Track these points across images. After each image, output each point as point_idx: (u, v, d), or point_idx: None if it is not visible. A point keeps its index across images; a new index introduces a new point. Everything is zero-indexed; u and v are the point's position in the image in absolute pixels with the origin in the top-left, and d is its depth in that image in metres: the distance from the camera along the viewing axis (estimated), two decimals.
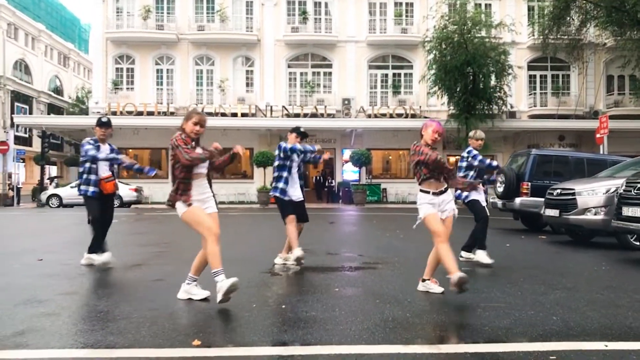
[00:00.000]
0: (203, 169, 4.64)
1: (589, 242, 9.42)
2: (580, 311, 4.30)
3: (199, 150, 4.60)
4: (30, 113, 46.22)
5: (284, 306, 4.46)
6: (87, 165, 6.62)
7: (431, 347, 3.32)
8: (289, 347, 3.30)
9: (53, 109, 51.73)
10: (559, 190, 9.13)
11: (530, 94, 31.40)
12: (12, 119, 30.65)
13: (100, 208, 6.64)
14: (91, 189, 6.58)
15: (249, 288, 5.16)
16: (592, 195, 8.43)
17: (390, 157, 31.80)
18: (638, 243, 8.09)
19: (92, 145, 6.61)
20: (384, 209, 22.88)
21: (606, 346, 3.34)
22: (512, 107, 28.70)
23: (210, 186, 4.75)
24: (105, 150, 6.71)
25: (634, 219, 6.77)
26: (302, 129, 6.86)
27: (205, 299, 4.59)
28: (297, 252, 6.47)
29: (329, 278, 5.89)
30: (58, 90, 54.61)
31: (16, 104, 44.74)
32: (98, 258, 6.60)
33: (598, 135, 18.77)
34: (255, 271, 6.18)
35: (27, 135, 42.89)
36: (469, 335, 3.63)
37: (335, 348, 3.26)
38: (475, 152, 7.17)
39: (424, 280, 5.09)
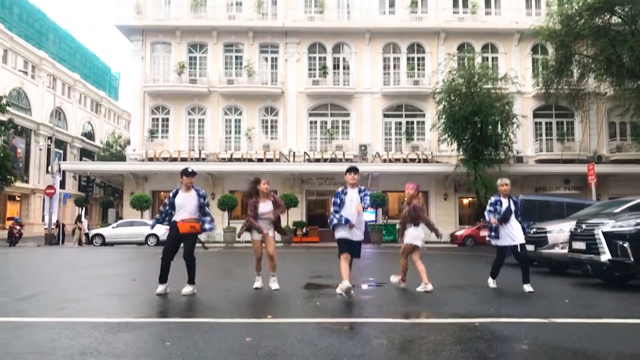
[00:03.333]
0: (268, 213, 8.10)
1: (563, 272, 11.40)
2: (511, 305, 6.47)
3: (269, 202, 8.14)
4: (64, 157, 49.24)
5: (317, 303, 6.72)
6: (166, 209, 7.74)
7: (399, 319, 5.50)
8: (322, 319, 5.59)
9: (85, 153, 54.91)
10: (535, 229, 11.22)
11: (536, 140, 33.39)
12: (57, 163, 33.41)
13: (173, 242, 7.60)
14: (165, 225, 7.93)
15: (293, 295, 7.47)
16: (559, 233, 10.51)
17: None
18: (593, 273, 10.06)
19: (169, 197, 7.76)
20: (398, 247, 24.76)
21: (514, 320, 5.49)
22: (518, 152, 30.71)
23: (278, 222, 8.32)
24: (189, 196, 7.67)
25: (580, 250, 8.85)
26: (351, 166, 7.87)
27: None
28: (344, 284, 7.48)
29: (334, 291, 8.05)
30: (90, 135, 57.91)
31: (54, 149, 47.89)
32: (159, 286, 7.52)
33: (589, 181, 20.85)
34: (295, 286, 8.53)
35: (61, 178, 45.77)
36: (432, 316, 5.80)
37: (347, 319, 5.58)
38: (493, 199, 8.66)
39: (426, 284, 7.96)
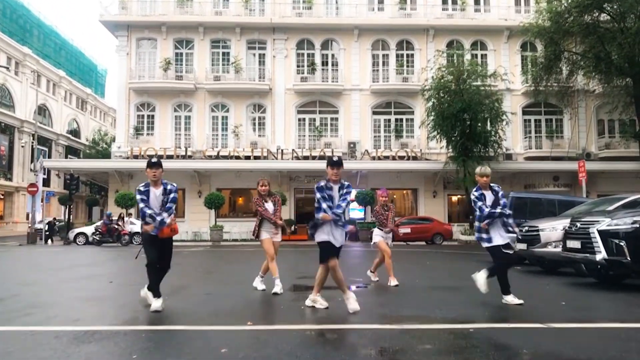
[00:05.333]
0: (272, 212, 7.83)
1: (555, 271, 11.13)
2: (506, 308, 6.16)
3: (270, 204, 7.92)
4: (50, 155, 48.53)
5: (302, 307, 6.32)
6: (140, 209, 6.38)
7: (388, 325, 5.16)
8: (306, 325, 5.25)
9: (70, 151, 54.11)
10: (527, 227, 10.93)
11: (525, 137, 33.25)
12: (40, 161, 32.81)
13: (156, 251, 6.27)
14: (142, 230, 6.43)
15: (277, 299, 7.11)
16: (552, 231, 10.21)
17: (394, 196, 33.57)
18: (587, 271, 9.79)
19: (140, 193, 6.36)
20: (408, 246, 24.34)
21: (510, 325, 5.16)
22: (507, 150, 30.51)
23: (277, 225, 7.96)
24: (160, 192, 6.35)
25: (574, 249, 8.56)
26: (334, 159, 6.46)
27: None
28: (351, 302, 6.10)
29: (334, 293, 7.58)
30: (75, 133, 57.10)
31: (37, 146, 47.12)
32: (153, 301, 6.24)
33: (579, 178, 20.64)
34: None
35: (45, 176, 45.03)
36: (422, 321, 5.47)
37: (333, 326, 5.22)
38: (476, 193, 7.08)
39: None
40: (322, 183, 6.27)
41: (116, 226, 25.68)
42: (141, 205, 6.29)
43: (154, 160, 6.53)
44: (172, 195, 6.37)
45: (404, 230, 26.62)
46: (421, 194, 32.09)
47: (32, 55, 46.91)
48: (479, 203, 6.95)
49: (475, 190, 7.08)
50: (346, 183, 6.35)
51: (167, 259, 6.41)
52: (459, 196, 32.52)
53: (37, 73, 47.47)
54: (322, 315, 5.84)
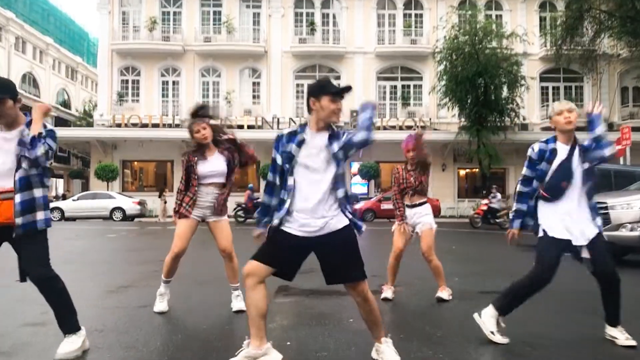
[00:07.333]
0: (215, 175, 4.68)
1: (621, 260, 8.70)
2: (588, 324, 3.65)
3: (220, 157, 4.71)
4: None
5: (288, 343, 3.77)
6: None
7: None
8: None
9: (60, 122, 51.59)
10: None
11: (542, 106, 30.82)
12: None
13: None
14: None
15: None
16: (625, 209, 7.75)
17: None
18: None
19: None
20: (391, 223, 22.11)
21: None
22: (524, 119, 28.06)
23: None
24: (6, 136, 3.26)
25: None
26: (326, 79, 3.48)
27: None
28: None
29: (339, 305, 5.09)
30: (65, 104, 54.63)
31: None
32: None
33: (619, 147, 17.83)
34: None
35: None
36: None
37: None
38: (538, 147, 3.93)
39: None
40: (287, 131, 3.23)
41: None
42: None
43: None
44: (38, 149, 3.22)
45: (387, 206, 24.09)
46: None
47: (15, 20, 44.09)
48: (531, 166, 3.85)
49: (542, 142, 3.93)
50: (342, 130, 3.24)
51: (33, 265, 3.36)
52: (468, 169, 30.22)
53: (22, 39, 44.81)
54: (322, 347, 3.41)
